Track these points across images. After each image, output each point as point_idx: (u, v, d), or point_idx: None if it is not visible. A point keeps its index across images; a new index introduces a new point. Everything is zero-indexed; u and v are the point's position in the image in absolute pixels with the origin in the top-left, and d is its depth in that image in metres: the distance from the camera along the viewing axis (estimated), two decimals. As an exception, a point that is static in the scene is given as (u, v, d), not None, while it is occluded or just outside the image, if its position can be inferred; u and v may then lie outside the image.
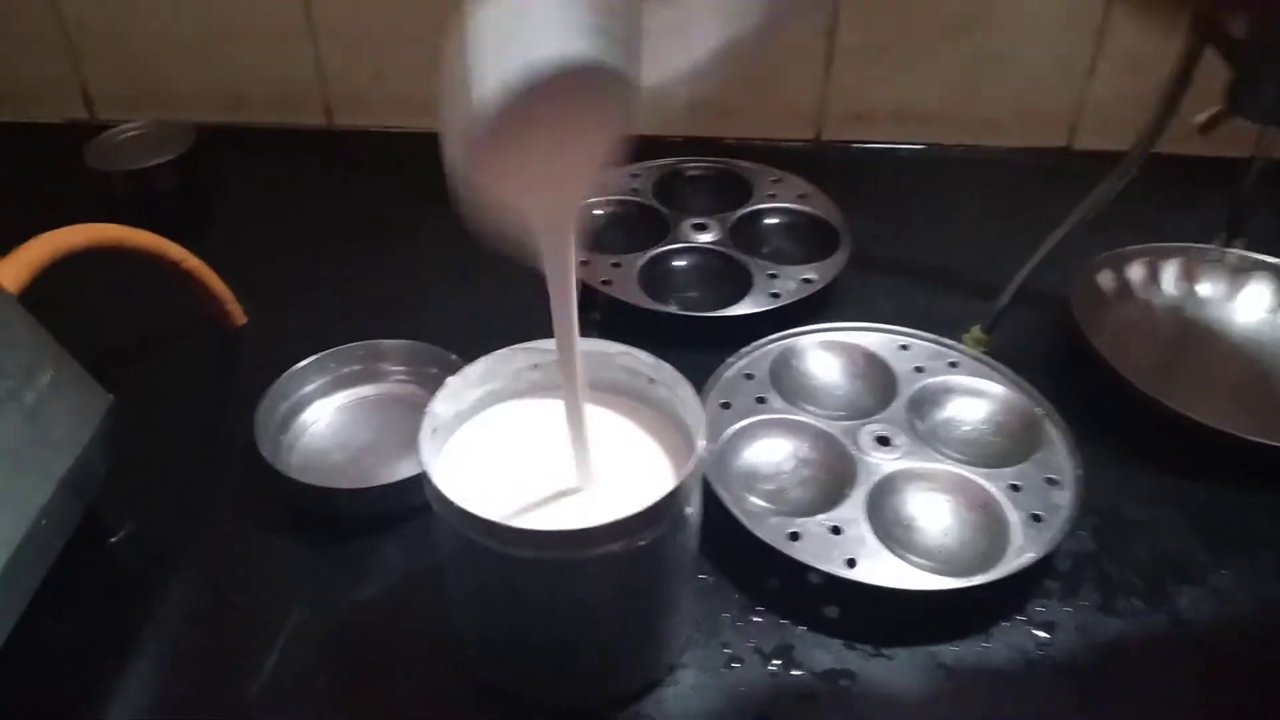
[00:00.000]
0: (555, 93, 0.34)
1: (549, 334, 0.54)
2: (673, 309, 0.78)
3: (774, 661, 0.56)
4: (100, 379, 0.60)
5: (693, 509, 0.49)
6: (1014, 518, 0.61)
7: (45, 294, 0.61)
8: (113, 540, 0.62)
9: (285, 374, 0.68)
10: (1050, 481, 0.63)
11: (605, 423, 0.54)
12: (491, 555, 0.45)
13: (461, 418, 0.54)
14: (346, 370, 0.71)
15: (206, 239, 0.89)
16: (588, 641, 0.51)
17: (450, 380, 0.52)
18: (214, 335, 0.78)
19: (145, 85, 1.05)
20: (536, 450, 0.52)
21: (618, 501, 0.48)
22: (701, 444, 0.47)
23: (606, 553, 0.45)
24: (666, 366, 0.52)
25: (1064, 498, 0.62)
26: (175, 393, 0.75)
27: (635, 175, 0.93)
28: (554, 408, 0.52)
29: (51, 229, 0.65)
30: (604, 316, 0.80)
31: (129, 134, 0.95)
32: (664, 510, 0.45)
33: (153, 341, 0.79)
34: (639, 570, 0.48)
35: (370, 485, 0.62)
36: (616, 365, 0.54)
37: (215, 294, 0.76)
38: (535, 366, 0.55)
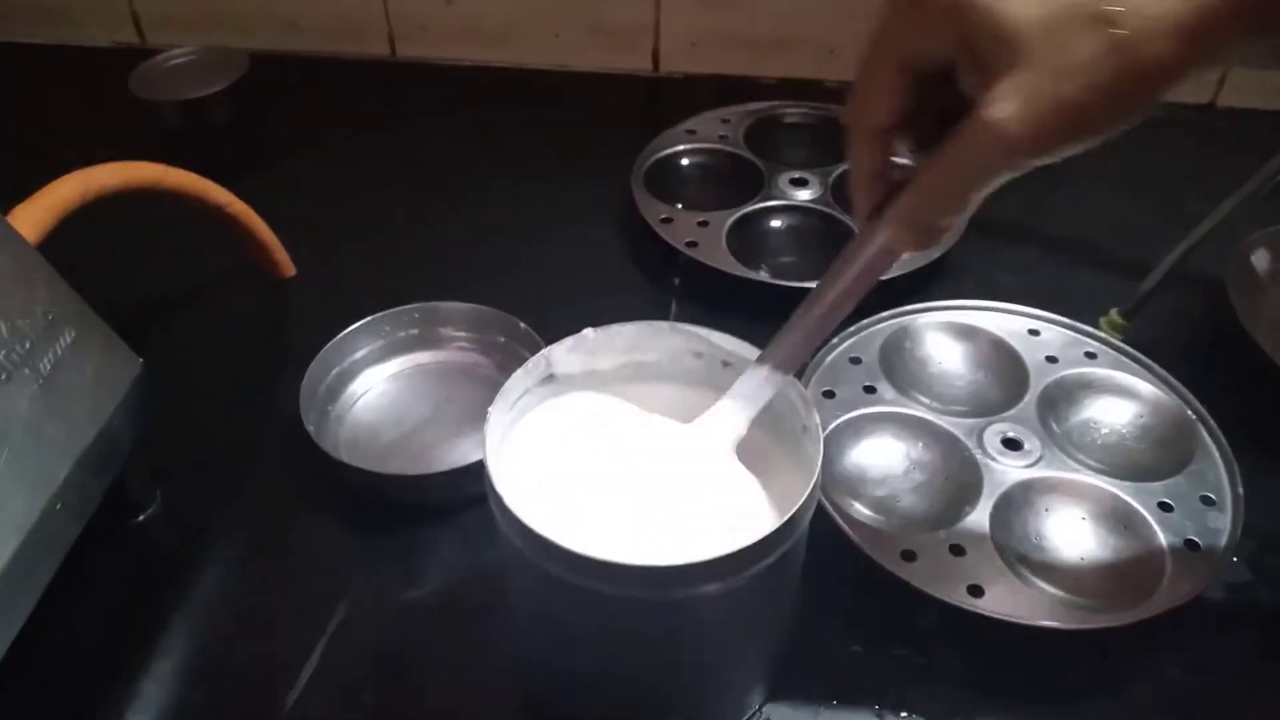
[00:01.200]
0: None
1: (636, 311, 0.46)
2: (764, 276, 0.70)
3: (880, 702, 0.49)
4: (130, 338, 0.53)
5: (801, 542, 0.41)
6: (1165, 542, 0.52)
7: (72, 240, 0.55)
8: (140, 519, 0.57)
9: (333, 340, 0.61)
10: (1206, 501, 0.54)
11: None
12: (562, 585, 0.38)
13: (564, 388, 0.46)
14: (402, 334, 0.64)
15: (256, 178, 0.83)
16: (669, 679, 0.44)
17: (589, 332, 0.44)
18: (260, 288, 0.72)
19: (197, 7, 0.98)
20: (646, 453, 0.44)
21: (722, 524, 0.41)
22: (818, 476, 0.39)
23: (701, 593, 0.37)
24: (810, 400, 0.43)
25: (1222, 521, 0.54)
26: (214, 353, 0.68)
27: (725, 121, 0.84)
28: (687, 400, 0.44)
29: (90, 163, 0.58)
30: (684, 282, 0.71)
31: (177, 60, 0.88)
32: (771, 546, 0.37)
33: (192, 294, 0.73)
34: (737, 607, 0.40)
35: (425, 472, 0.55)
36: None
37: (262, 242, 0.69)
38: (698, 355, 0.46)
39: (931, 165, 0.36)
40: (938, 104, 0.36)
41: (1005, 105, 0.32)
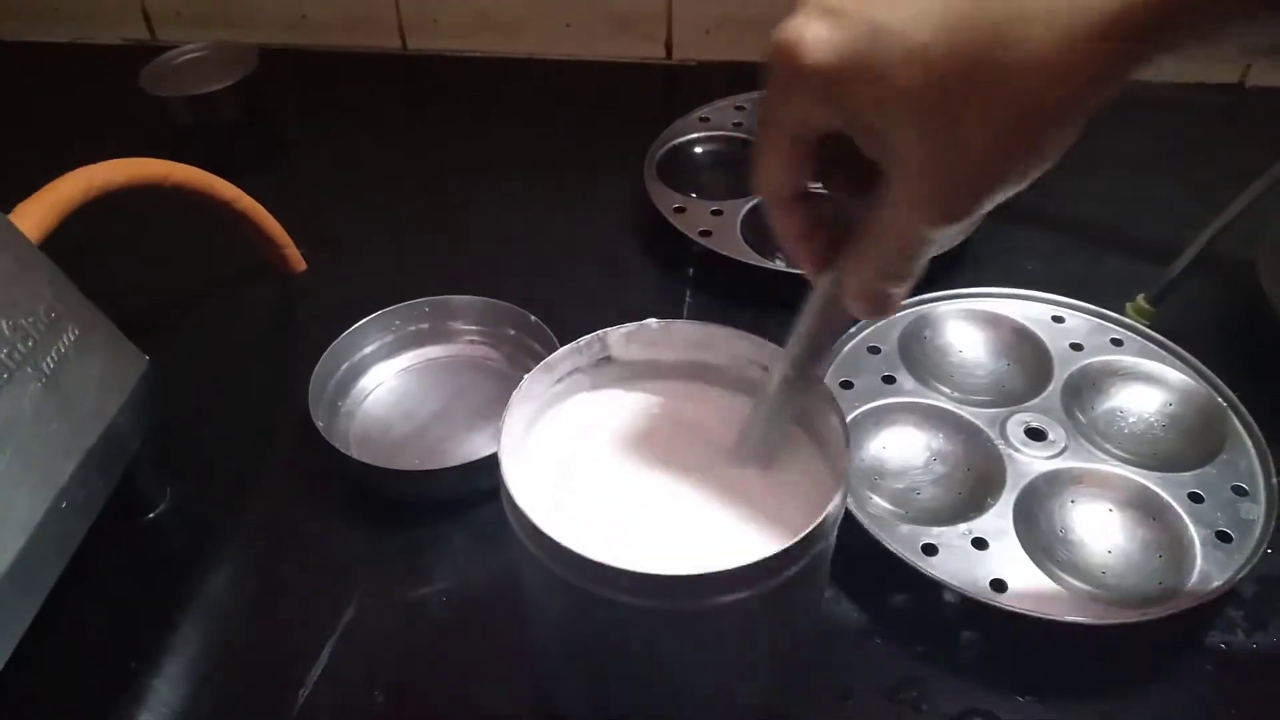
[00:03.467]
0: None
1: (649, 302, 0.45)
2: (779, 265, 0.68)
3: (899, 696, 0.47)
4: (138, 335, 0.53)
5: (828, 549, 0.40)
6: (1195, 535, 0.50)
7: (79, 237, 0.54)
8: (150, 516, 0.56)
9: (344, 334, 0.60)
10: (1238, 491, 0.53)
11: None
12: (577, 591, 0.37)
13: (606, 378, 0.45)
14: (412, 329, 0.63)
15: (266, 173, 0.82)
16: (689, 686, 0.42)
17: (652, 322, 0.43)
18: (269, 284, 0.71)
19: (207, 2, 0.97)
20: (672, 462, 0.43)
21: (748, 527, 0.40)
22: (845, 485, 0.38)
23: (723, 602, 0.36)
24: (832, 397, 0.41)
25: (1255, 512, 0.52)
26: (223, 350, 0.68)
27: (739, 108, 0.83)
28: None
29: (100, 160, 0.58)
30: (698, 272, 0.70)
31: (188, 56, 0.88)
32: (795, 556, 0.36)
33: (201, 291, 0.72)
34: (763, 614, 0.38)
35: (436, 467, 0.54)
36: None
37: (272, 238, 0.68)
38: (764, 369, 0.43)
39: (861, 250, 0.33)
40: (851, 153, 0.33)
41: (911, 190, 0.30)
